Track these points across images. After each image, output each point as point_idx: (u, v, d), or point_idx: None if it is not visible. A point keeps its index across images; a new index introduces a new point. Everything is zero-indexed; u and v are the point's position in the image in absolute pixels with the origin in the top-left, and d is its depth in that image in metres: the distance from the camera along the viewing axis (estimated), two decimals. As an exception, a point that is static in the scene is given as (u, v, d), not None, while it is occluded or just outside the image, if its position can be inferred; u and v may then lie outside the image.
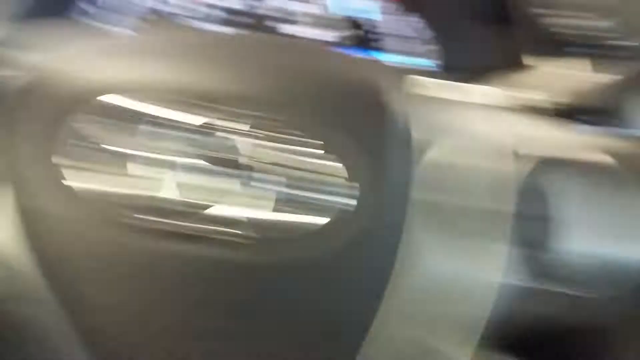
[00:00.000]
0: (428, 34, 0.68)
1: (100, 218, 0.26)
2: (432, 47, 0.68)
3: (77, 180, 0.27)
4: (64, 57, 0.29)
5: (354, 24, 0.67)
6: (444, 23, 0.68)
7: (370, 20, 0.68)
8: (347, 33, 0.67)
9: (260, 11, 0.67)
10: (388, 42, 0.67)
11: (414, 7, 0.68)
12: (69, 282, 0.27)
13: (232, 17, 0.67)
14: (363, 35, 0.67)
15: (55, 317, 0.28)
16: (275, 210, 0.27)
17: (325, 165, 0.27)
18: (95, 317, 0.27)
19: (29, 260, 0.27)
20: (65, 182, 0.27)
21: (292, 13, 0.67)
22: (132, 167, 0.27)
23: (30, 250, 0.27)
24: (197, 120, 0.27)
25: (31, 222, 0.27)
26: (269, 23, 0.67)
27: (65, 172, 0.27)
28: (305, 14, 0.68)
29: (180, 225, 0.26)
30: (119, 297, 0.27)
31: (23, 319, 0.29)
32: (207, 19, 0.67)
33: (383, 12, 0.69)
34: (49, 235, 0.27)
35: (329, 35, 0.67)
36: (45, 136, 0.27)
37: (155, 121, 0.27)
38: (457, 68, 0.64)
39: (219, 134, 0.27)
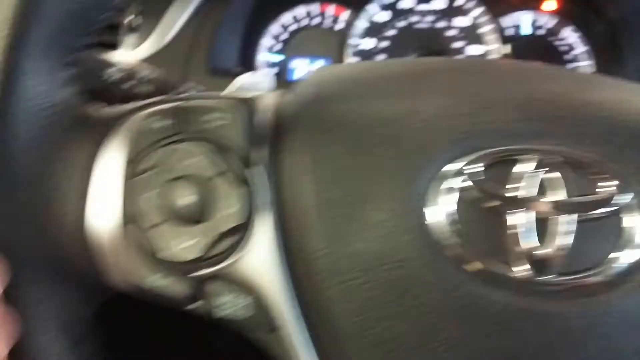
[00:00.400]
0: (583, 46, 0.67)
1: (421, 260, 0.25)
2: (586, 61, 0.67)
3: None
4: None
5: (527, 39, 0.67)
6: (602, 34, 0.66)
7: (531, 35, 0.68)
8: (517, 49, 0.67)
9: (450, 32, 0.68)
10: (545, 57, 0.67)
11: (571, 19, 0.67)
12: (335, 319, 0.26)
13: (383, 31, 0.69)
14: (539, 50, 0.67)
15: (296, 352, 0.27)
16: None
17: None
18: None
19: (286, 294, 0.27)
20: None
21: (468, 32, 0.68)
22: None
23: (294, 285, 0.27)
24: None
25: (300, 257, 0.26)
26: (455, 44, 0.68)
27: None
28: (485, 33, 0.68)
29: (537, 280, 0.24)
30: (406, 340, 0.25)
31: (269, 350, 0.28)
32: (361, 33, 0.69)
33: (536, 25, 0.68)
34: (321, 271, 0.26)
35: (501, 53, 0.68)
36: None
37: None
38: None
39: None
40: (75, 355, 0.29)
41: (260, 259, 0.27)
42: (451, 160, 0.25)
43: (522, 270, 0.24)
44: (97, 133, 0.28)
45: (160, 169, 0.27)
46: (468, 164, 0.25)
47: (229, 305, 0.27)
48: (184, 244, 0.26)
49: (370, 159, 0.26)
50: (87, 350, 0.30)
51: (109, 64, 0.35)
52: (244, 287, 0.27)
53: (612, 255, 0.24)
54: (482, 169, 0.25)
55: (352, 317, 0.25)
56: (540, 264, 0.24)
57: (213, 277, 0.27)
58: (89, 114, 0.28)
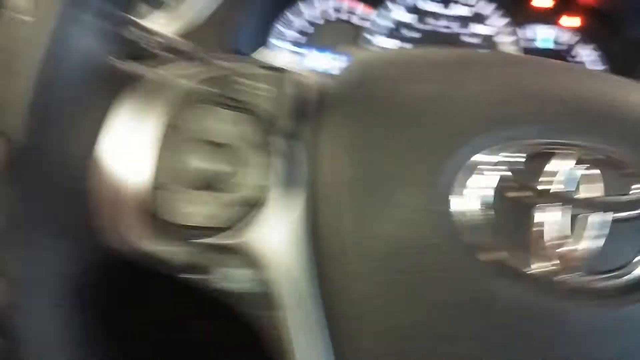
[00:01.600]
0: (601, 65, 0.67)
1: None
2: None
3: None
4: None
5: (546, 53, 0.68)
6: (620, 55, 0.66)
7: (550, 49, 0.68)
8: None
9: (471, 40, 0.69)
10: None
11: (591, 37, 0.67)
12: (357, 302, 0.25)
13: (405, 31, 0.69)
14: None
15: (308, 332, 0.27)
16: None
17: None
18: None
19: (298, 273, 0.26)
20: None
21: (489, 41, 0.69)
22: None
23: (314, 261, 0.26)
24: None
25: (328, 238, 0.26)
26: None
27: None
28: (506, 43, 0.68)
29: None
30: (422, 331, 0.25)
31: (267, 329, 0.27)
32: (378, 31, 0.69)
33: (556, 40, 0.68)
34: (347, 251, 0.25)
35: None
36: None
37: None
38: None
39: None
40: (54, 315, 0.27)
41: (274, 235, 0.26)
42: (485, 147, 0.25)
43: (541, 266, 0.24)
44: (132, 89, 0.27)
45: (183, 130, 0.26)
46: (503, 152, 0.24)
47: (233, 277, 0.26)
48: (189, 209, 0.25)
49: (402, 141, 0.26)
50: (68, 313, 0.28)
51: (145, 29, 0.35)
52: (252, 261, 0.26)
53: (636, 259, 0.24)
54: (518, 159, 0.24)
55: (371, 297, 0.25)
56: (561, 262, 0.24)
57: (219, 247, 0.26)
58: (128, 72, 0.28)
